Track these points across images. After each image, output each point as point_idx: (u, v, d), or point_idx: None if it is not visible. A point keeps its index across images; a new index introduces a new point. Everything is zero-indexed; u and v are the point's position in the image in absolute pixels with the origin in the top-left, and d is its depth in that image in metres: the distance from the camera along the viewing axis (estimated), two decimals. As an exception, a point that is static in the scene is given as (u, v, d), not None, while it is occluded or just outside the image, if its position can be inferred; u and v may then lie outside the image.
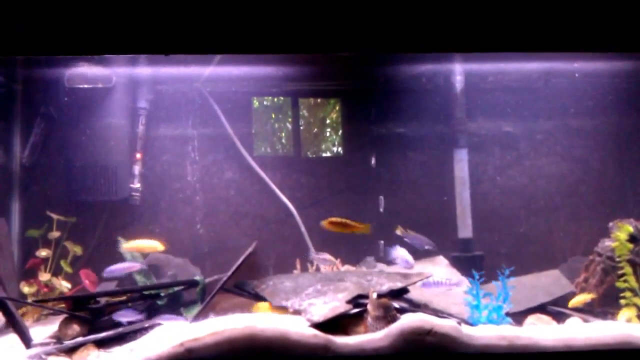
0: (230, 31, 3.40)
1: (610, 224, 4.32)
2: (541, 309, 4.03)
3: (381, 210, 4.98)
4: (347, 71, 5.04)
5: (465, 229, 4.83)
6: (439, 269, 4.52)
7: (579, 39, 3.45)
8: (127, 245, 4.27)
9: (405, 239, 4.18)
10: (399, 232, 4.20)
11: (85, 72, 4.44)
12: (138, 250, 4.31)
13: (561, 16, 3.42)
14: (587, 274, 4.33)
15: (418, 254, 4.37)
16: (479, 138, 5.09)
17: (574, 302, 4.04)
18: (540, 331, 3.47)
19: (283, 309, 3.77)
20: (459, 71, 4.89)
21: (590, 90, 5.09)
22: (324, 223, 4.06)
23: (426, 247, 4.20)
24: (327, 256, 4.07)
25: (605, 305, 4.14)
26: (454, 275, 4.46)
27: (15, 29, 3.36)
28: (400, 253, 4.05)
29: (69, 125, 4.59)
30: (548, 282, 4.33)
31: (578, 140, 5.15)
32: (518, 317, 3.83)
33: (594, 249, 4.34)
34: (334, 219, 4.08)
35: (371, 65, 4.90)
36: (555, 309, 4.08)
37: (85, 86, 4.46)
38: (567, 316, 3.93)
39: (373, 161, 5.06)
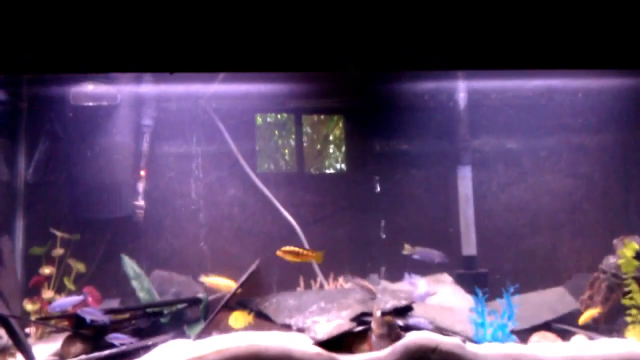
0: (233, 49, 3.43)
1: (615, 240, 4.31)
2: (546, 326, 4.01)
3: (383, 236, 4.97)
4: (350, 88, 5.06)
5: (469, 246, 4.81)
6: (443, 286, 4.50)
7: (582, 56, 3.47)
8: (207, 280, 4.27)
9: (415, 256, 4.16)
10: (406, 251, 4.18)
11: (90, 90, 4.46)
12: (215, 286, 4.30)
13: (564, 34, 3.44)
14: (592, 291, 4.31)
15: (426, 269, 4.39)
16: (482, 155, 5.09)
17: (584, 318, 4.02)
18: (546, 349, 3.45)
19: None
20: (462, 88, 4.91)
21: (594, 107, 5.10)
22: (279, 252, 4.01)
23: (437, 261, 4.17)
24: (365, 283, 4.05)
25: (610, 322, 4.12)
26: (459, 293, 4.44)
27: (21, 48, 3.40)
28: (420, 284, 4.01)
29: (73, 143, 4.61)
30: (553, 299, 4.31)
31: (582, 157, 5.15)
32: (523, 335, 3.81)
33: (599, 265, 4.32)
34: (286, 248, 4.04)
35: (374, 82, 4.92)
36: (561, 326, 4.05)
37: (90, 104, 4.48)
38: (572, 334, 3.91)
39: (376, 179, 5.06)
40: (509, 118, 5.12)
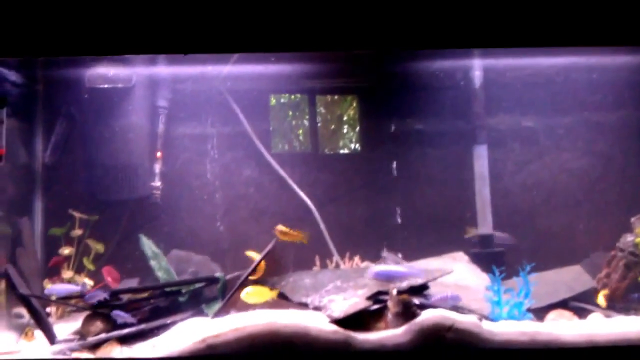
0: (247, 30, 3.42)
1: (633, 219, 4.29)
2: (563, 304, 4.00)
3: (398, 215, 4.97)
4: (364, 68, 5.03)
5: (485, 225, 4.79)
6: (459, 265, 4.51)
7: (599, 32, 3.42)
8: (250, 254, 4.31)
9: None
10: (469, 234, 4.19)
11: (105, 72, 4.48)
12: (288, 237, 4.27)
13: (581, 10, 3.39)
14: (609, 270, 4.30)
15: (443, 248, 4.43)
16: (498, 134, 5.05)
17: (602, 296, 4.02)
18: (562, 327, 3.45)
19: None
20: (477, 66, 4.85)
21: (611, 84, 5.03)
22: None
23: (505, 243, 4.19)
24: (397, 259, 4.08)
25: (628, 300, 4.10)
26: (475, 271, 4.45)
27: (37, 31, 3.42)
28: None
29: (90, 125, 4.65)
30: (570, 278, 4.30)
31: (599, 134, 5.09)
32: (539, 313, 3.81)
33: (616, 244, 4.30)
34: (279, 227, 4.22)
35: (388, 62, 4.88)
36: (577, 304, 4.05)
37: (106, 86, 4.50)
38: (589, 312, 3.90)
39: (392, 158, 5.04)
40: (525, 96, 5.06)
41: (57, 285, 4.09)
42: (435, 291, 3.95)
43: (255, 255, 4.38)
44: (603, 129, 5.10)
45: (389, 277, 3.67)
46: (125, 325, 3.67)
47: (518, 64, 4.88)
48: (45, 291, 4.00)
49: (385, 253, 4.56)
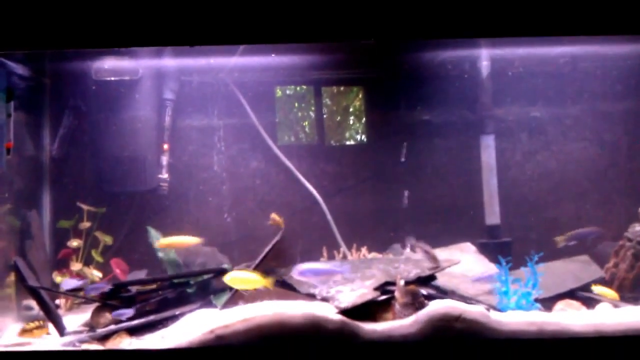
0: (253, 21, 3.42)
1: (640, 208, 4.28)
2: (570, 294, 4.00)
3: (405, 202, 4.97)
4: (369, 59, 5.01)
5: (492, 216, 4.79)
6: (467, 255, 4.50)
7: (607, 21, 3.39)
8: (163, 241, 4.28)
9: (572, 243, 4.20)
10: (561, 243, 4.21)
11: (112, 65, 4.49)
12: (173, 246, 4.32)
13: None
14: (617, 259, 4.29)
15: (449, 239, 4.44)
16: (505, 124, 5.04)
17: (600, 291, 4.00)
18: (570, 317, 3.45)
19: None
20: (485, 56, 4.83)
21: (619, 74, 5.00)
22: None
23: (595, 237, 4.25)
24: (430, 250, 4.11)
25: (636, 290, 4.09)
26: (482, 262, 4.45)
27: (44, 24, 3.42)
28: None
29: (97, 118, 4.66)
30: (577, 268, 4.29)
31: (607, 124, 5.07)
32: (547, 303, 3.81)
33: (624, 234, 4.29)
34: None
35: (394, 52, 4.87)
36: (585, 294, 4.04)
37: (113, 79, 4.52)
38: (596, 302, 3.90)
39: (399, 149, 5.04)
40: (533, 86, 5.04)
41: (67, 280, 4.11)
42: (443, 281, 3.97)
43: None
44: (611, 119, 5.07)
45: (315, 274, 3.66)
46: (133, 316, 3.68)
47: (526, 53, 4.85)
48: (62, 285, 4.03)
49: (411, 241, 4.55)
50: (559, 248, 4.28)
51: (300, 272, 3.62)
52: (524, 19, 3.39)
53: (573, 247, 4.36)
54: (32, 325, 3.61)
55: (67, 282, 4.00)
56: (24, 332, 3.60)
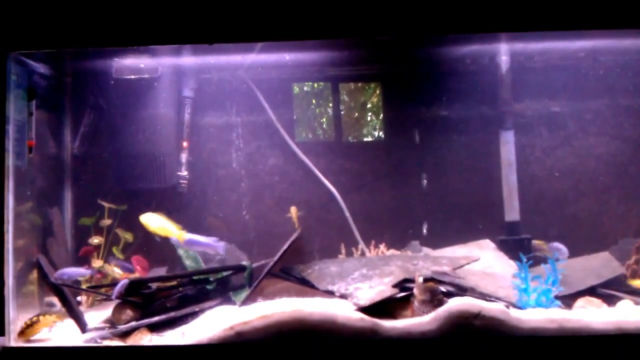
0: (272, 18, 3.43)
1: (663, 205, 4.22)
2: (591, 291, 3.96)
3: (424, 202, 4.95)
4: (387, 55, 4.99)
5: (512, 212, 4.75)
6: (486, 252, 4.49)
7: (627, 14, 3.35)
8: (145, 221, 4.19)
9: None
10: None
11: (132, 64, 4.53)
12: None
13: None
14: (638, 256, 4.24)
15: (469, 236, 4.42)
16: (525, 119, 4.99)
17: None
18: (591, 314, 3.42)
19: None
20: (504, 51, 4.78)
21: (640, 68, 4.93)
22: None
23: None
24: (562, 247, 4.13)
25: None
26: (501, 259, 4.42)
27: (65, 23, 3.47)
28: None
29: (117, 116, 4.70)
30: (598, 265, 4.24)
31: (628, 119, 5.00)
32: (567, 300, 3.78)
33: (646, 230, 4.25)
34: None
35: (412, 47, 4.84)
36: (606, 291, 4.00)
37: (132, 77, 4.56)
38: (618, 299, 3.86)
39: (416, 147, 5.02)
40: (552, 81, 4.98)
41: (67, 269, 4.16)
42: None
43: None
44: (632, 113, 5.00)
45: (193, 244, 3.97)
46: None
47: (545, 47, 4.79)
48: (56, 274, 4.06)
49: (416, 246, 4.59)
50: (579, 245, 4.24)
51: (186, 241, 3.92)
52: (544, 13, 3.37)
53: (594, 243, 4.32)
54: (23, 325, 3.59)
55: (69, 271, 4.06)
56: (21, 334, 3.59)
